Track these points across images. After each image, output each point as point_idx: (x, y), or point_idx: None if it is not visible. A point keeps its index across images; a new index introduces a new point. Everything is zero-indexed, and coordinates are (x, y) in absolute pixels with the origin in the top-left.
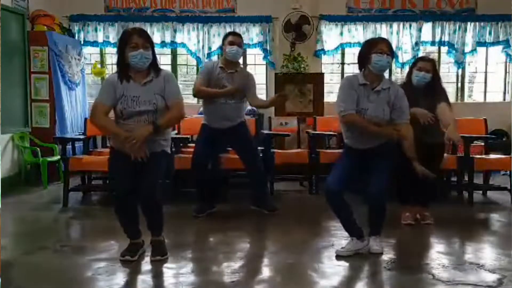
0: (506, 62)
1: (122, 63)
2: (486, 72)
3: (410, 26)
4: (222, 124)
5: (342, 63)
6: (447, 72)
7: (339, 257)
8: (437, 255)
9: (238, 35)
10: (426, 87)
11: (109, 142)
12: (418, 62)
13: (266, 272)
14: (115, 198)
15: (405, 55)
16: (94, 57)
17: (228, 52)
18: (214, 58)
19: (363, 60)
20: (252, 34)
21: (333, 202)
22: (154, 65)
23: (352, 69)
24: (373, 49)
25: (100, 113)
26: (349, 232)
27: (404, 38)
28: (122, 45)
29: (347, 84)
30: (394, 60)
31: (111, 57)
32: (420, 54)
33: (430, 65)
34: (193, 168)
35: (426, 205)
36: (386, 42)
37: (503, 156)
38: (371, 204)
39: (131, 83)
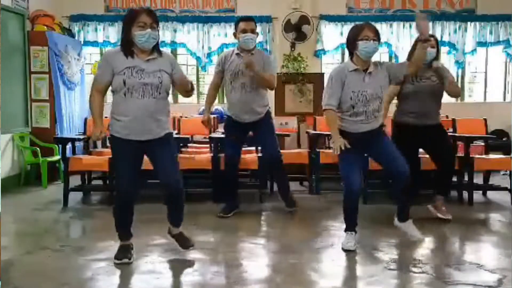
0: (506, 62)
1: (125, 40)
2: (486, 72)
3: (410, 26)
4: (244, 117)
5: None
6: None
7: (345, 251)
8: (437, 255)
9: (251, 20)
10: (430, 62)
11: (109, 131)
12: None
13: (266, 272)
14: (116, 194)
15: (406, 55)
16: (94, 57)
17: (242, 40)
18: (214, 57)
19: (351, 46)
20: None
21: (354, 203)
22: (157, 46)
23: None
24: (359, 36)
25: (95, 91)
26: (353, 227)
27: (404, 38)
28: (129, 23)
29: (334, 78)
30: (394, 59)
31: None
32: None
33: (434, 41)
34: (226, 166)
35: (445, 193)
36: (371, 27)
37: (503, 156)
38: (402, 182)
39: (135, 58)
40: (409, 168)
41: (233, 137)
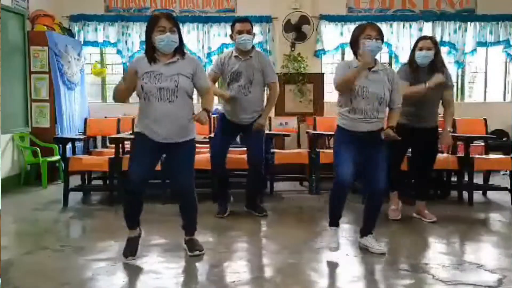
0: (506, 62)
1: (148, 46)
2: (486, 72)
3: (410, 26)
4: (241, 117)
5: None
6: None
7: (336, 252)
8: (437, 255)
9: (246, 21)
10: (430, 65)
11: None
12: (419, 42)
13: (266, 272)
14: (126, 184)
15: (406, 55)
16: (94, 57)
17: (238, 41)
18: (214, 57)
19: (354, 45)
20: None
21: (343, 195)
22: (180, 49)
23: None
24: (362, 34)
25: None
26: (336, 222)
27: (404, 38)
28: (150, 29)
29: (343, 65)
30: (394, 59)
31: (111, 57)
32: None
33: (430, 42)
34: (212, 165)
35: (425, 197)
36: (374, 27)
37: (503, 156)
38: (376, 199)
39: (156, 63)
40: (393, 165)
41: (223, 131)
